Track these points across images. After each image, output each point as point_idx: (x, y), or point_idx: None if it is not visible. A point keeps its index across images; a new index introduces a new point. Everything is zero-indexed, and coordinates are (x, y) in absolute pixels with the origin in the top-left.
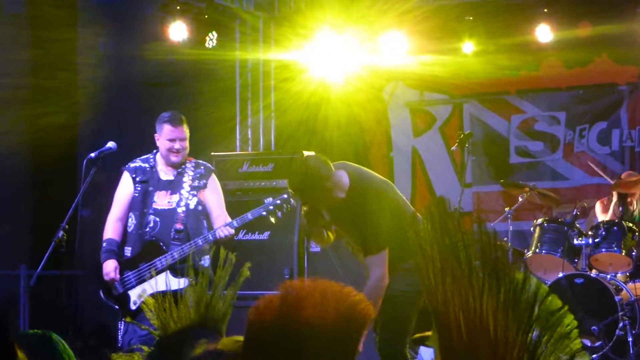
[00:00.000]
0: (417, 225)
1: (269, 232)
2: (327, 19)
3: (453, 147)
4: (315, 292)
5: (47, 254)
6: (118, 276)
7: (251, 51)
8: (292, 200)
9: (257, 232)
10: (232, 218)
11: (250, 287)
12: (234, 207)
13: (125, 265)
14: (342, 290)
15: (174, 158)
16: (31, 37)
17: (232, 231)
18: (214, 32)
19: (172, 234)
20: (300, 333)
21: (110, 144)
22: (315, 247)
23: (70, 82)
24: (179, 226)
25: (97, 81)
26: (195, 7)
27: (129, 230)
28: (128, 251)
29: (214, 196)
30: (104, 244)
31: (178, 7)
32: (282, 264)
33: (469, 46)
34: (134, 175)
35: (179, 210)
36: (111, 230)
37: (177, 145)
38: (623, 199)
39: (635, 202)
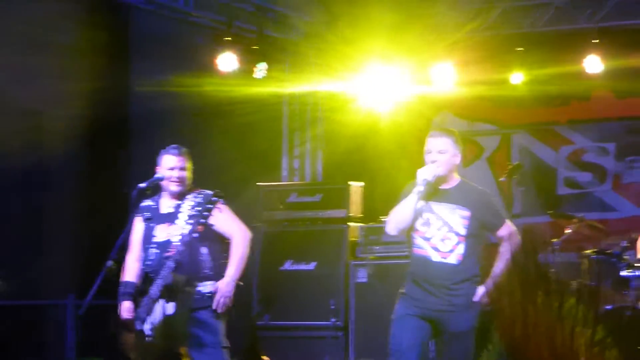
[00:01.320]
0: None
1: (315, 263)
2: (376, 49)
3: (501, 178)
4: None
5: (96, 283)
6: (132, 315)
7: (300, 81)
8: (220, 199)
9: (303, 263)
10: (290, 248)
11: (296, 317)
12: (281, 237)
13: (138, 302)
14: None
15: (173, 187)
16: (82, 67)
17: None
18: (263, 63)
19: (165, 263)
20: None
21: (160, 174)
22: (361, 279)
23: (121, 113)
24: (169, 255)
25: (146, 112)
26: (246, 38)
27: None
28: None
29: (222, 220)
30: (120, 287)
31: (229, 38)
32: (328, 295)
33: (518, 76)
34: (141, 214)
35: (174, 240)
36: (129, 272)
37: (175, 174)
38: None
39: None
